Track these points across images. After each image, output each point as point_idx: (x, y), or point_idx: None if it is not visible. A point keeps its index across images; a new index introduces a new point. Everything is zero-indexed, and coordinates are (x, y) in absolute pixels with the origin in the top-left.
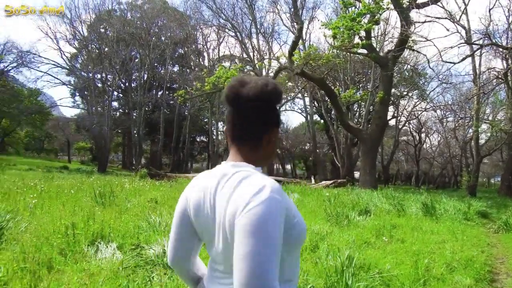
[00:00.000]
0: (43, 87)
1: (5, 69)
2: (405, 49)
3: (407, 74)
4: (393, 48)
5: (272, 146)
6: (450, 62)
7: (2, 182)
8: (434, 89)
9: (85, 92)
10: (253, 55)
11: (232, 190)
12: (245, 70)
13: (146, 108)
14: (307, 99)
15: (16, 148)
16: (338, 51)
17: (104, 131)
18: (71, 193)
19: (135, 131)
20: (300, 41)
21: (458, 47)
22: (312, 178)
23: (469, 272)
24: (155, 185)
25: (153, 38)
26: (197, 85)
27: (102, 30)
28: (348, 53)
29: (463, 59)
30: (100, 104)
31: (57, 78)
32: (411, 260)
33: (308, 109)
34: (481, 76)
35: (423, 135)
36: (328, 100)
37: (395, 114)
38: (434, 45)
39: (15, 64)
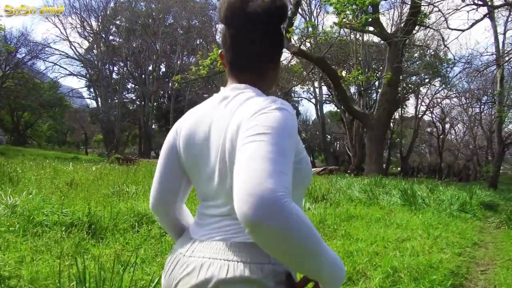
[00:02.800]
0: (54, 78)
1: (20, 62)
2: (422, 30)
3: (428, 59)
4: (404, 25)
5: (277, 73)
6: (457, 30)
7: None
8: (457, 74)
9: (96, 83)
10: None
11: (236, 108)
12: None
13: (162, 99)
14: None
15: (38, 141)
16: (351, 32)
17: (111, 121)
18: None
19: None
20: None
21: (468, 12)
22: None
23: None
24: (105, 168)
25: (162, 28)
26: (193, 69)
27: (117, 22)
28: (360, 36)
29: (472, 25)
30: (111, 95)
31: (65, 69)
32: None
33: (317, 96)
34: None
35: (447, 125)
36: (331, 82)
37: (405, 98)
38: (439, 10)
39: (29, 57)
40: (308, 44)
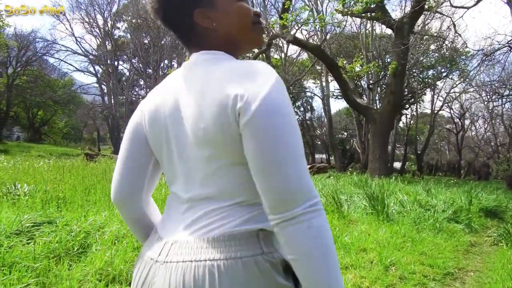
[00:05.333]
0: (63, 74)
1: (29, 59)
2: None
3: (446, 52)
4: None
5: (228, 23)
6: (461, 7)
7: None
8: (475, 67)
9: (104, 80)
10: None
11: (207, 73)
12: None
13: None
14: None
15: (53, 137)
16: (362, 23)
17: (117, 118)
18: None
19: None
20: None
21: None
22: None
23: None
24: (50, 166)
25: None
26: (186, 60)
27: (128, 18)
28: (371, 26)
29: (478, 1)
30: (121, 91)
31: (71, 64)
32: None
33: (324, 90)
34: None
35: (467, 121)
36: (330, 73)
37: (422, 93)
38: None
39: (40, 54)
40: (316, 37)
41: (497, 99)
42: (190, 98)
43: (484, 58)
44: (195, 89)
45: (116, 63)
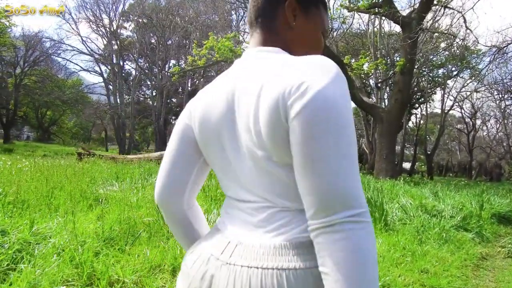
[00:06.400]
0: (69, 74)
1: (37, 59)
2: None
3: (457, 50)
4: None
5: (305, 29)
6: None
7: None
8: (487, 65)
9: (107, 79)
10: None
11: (264, 69)
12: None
13: (182, 95)
14: None
15: (62, 137)
16: (370, 21)
17: (122, 118)
18: None
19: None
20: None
21: None
22: None
23: None
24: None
25: (173, 21)
26: (189, 60)
27: (136, 18)
28: (379, 23)
29: None
30: (127, 91)
31: (76, 64)
32: None
33: None
34: None
35: (478, 121)
36: None
37: (432, 92)
38: None
39: (47, 54)
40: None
41: (509, 98)
42: (245, 97)
43: (496, 52)
44: (250, 86)
45: (122, 62)
